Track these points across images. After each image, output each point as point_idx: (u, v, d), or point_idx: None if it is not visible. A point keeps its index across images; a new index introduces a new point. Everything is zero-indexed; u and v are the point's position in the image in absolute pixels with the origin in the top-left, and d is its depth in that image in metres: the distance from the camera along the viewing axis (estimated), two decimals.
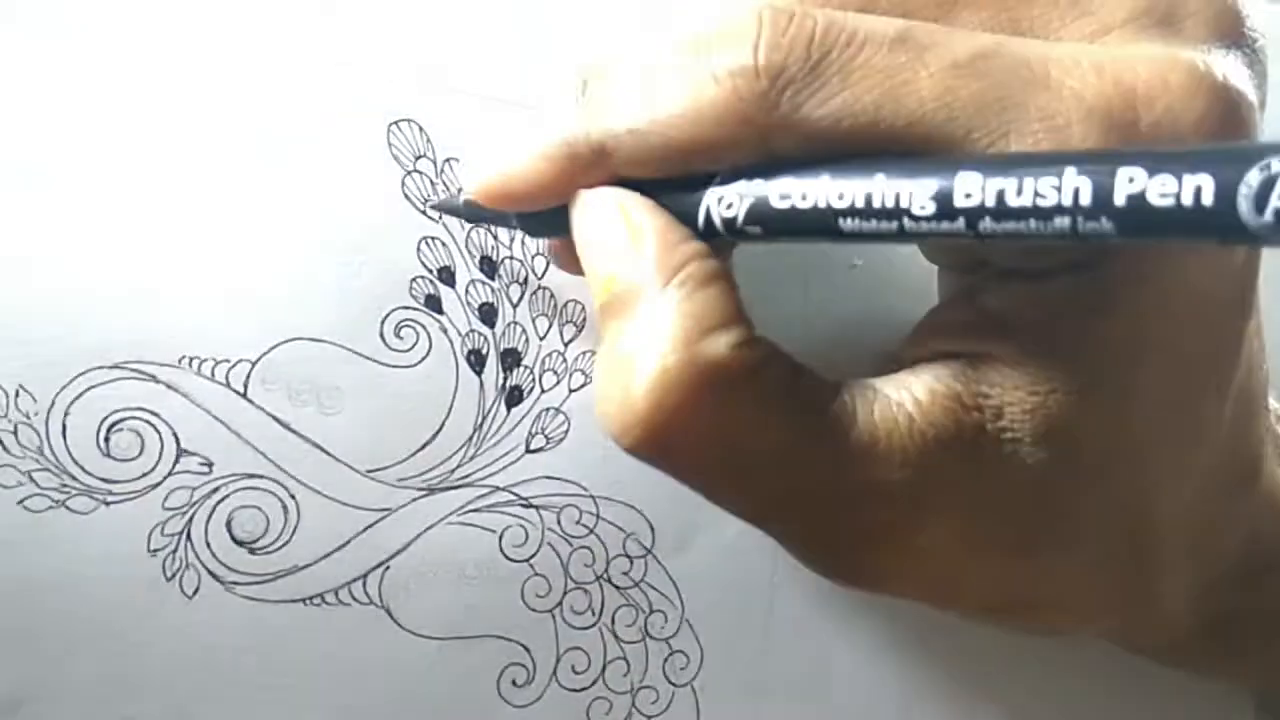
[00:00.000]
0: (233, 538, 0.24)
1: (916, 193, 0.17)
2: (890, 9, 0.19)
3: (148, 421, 0.24)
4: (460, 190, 0.25)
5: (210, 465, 0.24)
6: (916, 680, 0.29)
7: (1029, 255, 0.19)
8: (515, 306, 0.26)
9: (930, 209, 0.16)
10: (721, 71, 0.18)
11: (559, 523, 0.26)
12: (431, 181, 0.25)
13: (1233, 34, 0.19)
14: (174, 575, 0.24)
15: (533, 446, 0.26)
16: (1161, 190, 0.14)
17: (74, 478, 0.23)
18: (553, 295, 0.26)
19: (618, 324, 0.19)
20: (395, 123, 0.25)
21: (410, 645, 0.25)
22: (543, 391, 0.26)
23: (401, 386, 0.25)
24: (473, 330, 0.26)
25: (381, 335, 0.25)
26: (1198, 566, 0.21)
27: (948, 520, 0.19)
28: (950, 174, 0.16)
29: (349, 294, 0.25)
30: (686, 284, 0.18)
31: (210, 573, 0.24)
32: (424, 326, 0.25)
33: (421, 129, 0.25)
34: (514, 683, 0.26)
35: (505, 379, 0.26)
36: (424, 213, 0.25)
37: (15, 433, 0.23)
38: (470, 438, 0.25)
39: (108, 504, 0.23)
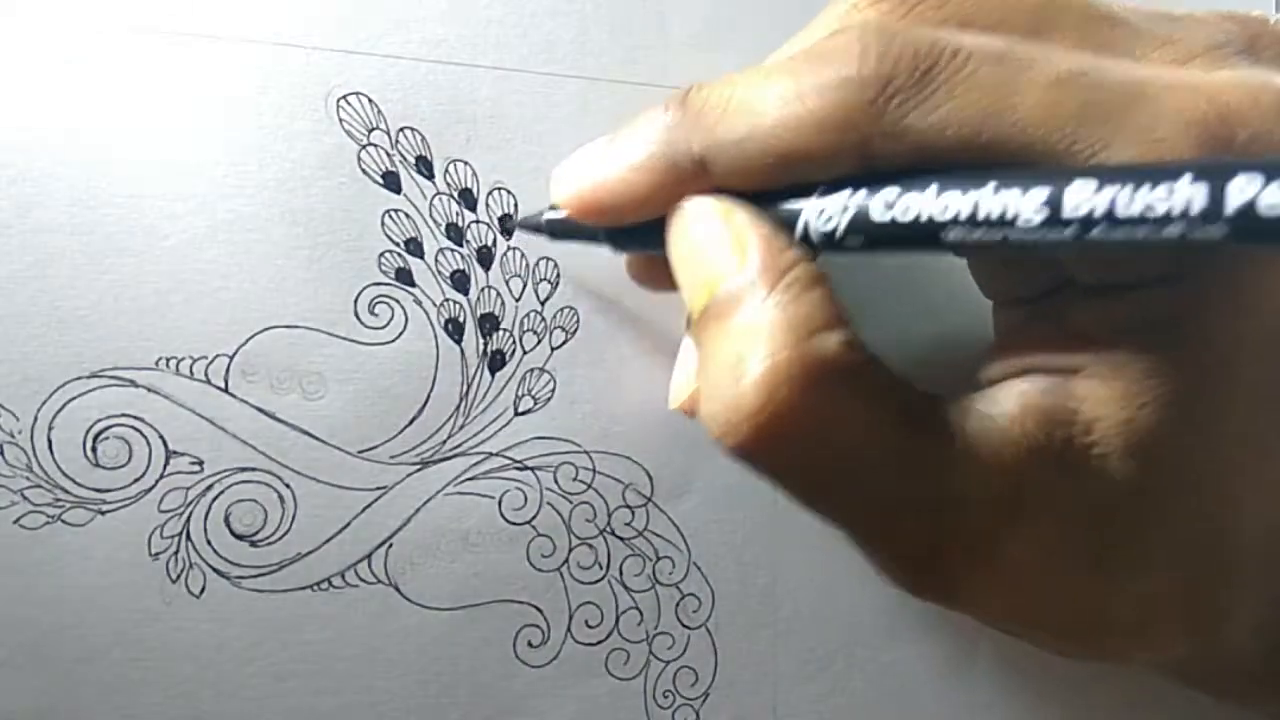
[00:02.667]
0: (233, 533, 0.25)
1: (1025, 202, 0.17)
2: (983, 31, 0.20)
3: (133, 427, 0.24)
4: (546, 209, 0.24)
5: (201, 464, 0.25)
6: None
7: (1116, 270, 0.19)
8: (487, 271, 0.26)
9: (1040, 217, 0.17)
10: (827, 84, 0.19)
11: (556, 481, 0.27)
12: (388, 153, 0.26)
13: None
14: (179, 576, 0.25)
15: (521, 409, 0.27)
16: (1271, 203, 0.15)
17: (66, 491, 0.24)
18: (524, 255, 0.27)
19: (722, 327, 0.20)
20: (343, 97, 0.25)
21: (422, 619, 0.26)
22: (525, 353, 0.27)
23: (382, 364, 0.26)
24: (447, 299, 0.26)
25: (356, 314, 0.26)
26: (1267, 595, 0.22)
27: (1036, 533, 0.20)
28: (1062, 183, 0.17)
29: (319, 276, 0.25)
30: (794, 286, 0.19)
31: (215, 570, 0.25)
32: (398, 301, 0.26)
33: (370, 100, 0.26)
34: (530, 644, 0.27)
35: (486, 344, 0.26)
36: (384, 187, 0.26)
37: (2, 452, 0.24)
38: (457, 407, 0.26)
39: (103, 513, 0.24)
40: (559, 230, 0.24)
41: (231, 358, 0.25)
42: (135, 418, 0.24)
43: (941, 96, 0.18)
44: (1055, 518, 0.20)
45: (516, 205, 0.26)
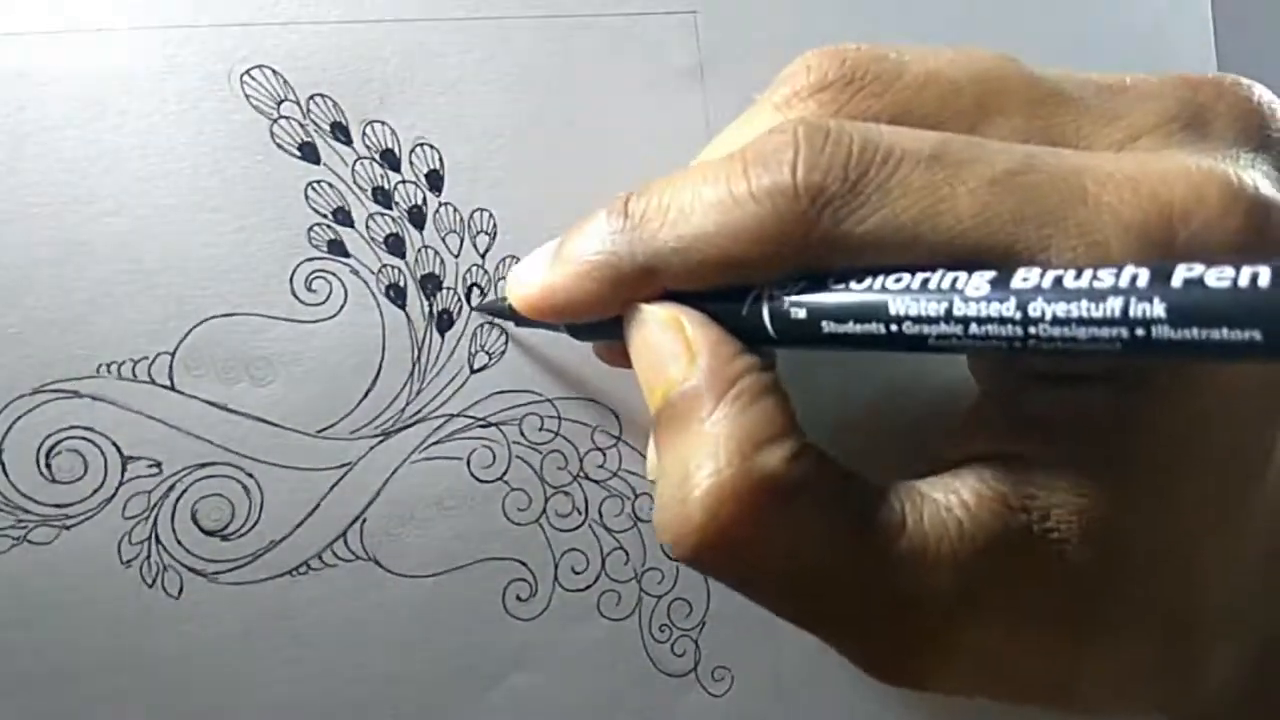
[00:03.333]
0: (202, 530, 0.25)
1: (973, 278, 0.17)
2: (921, 122, 0.20)
3: (84, 438, 0.24)
4: (503, 297, 0.25)
5: (159, 465, 0.25)
6: None
7: (1065, 362, 0.19)
8: (421, 231, 0.26)
9: (984, 290, 0.17)
10: (761, 192, 0.18)
11: (522, 434, 0.27)
12: (301, 124, 0.25)
13: (1259, 136, 0.20)
14: (154, 580, 0.25)
15: (476, 366, 0.26)
16: (1218, 276, 0.15)
17: (27, 511, 0.24)
18: (456, 209, 0.26)
19: (673, 434, 0.20)
20: (247, 71, 0.25)
21: (407, 588, 0.26)
22: (472, 309, 0.26)
23: (328, 339, 0.25)
24: (385, 265, 0.26)
25: (294, 293, 0.25)
26: (1240, 644, 0.22)
27: (995, 620, 0.20)
28: (1009, 270, 0.17)
29: (250, 260, 0.25)
30: (741, 397, 0.19)
31: (190, 569, 0.25)
32: (334, 274, 0.25)
33: (275, 71, 0.25)
34: (519, 598, 0.27)
35: (431, 306, 0.26)
36: (303, 159, 0.25)
37: None
38: (411, 373, 0.26)
39: (68, 528, 0.24)
40: (520, 319, 0.24)
41: (173, 354, 0.24)
42: (85, 428, 0.24)
43: (874, 203, 0.18)
44: (1015, 604, 0.20)
45: (441, 160, 0.26)
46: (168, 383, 0.24)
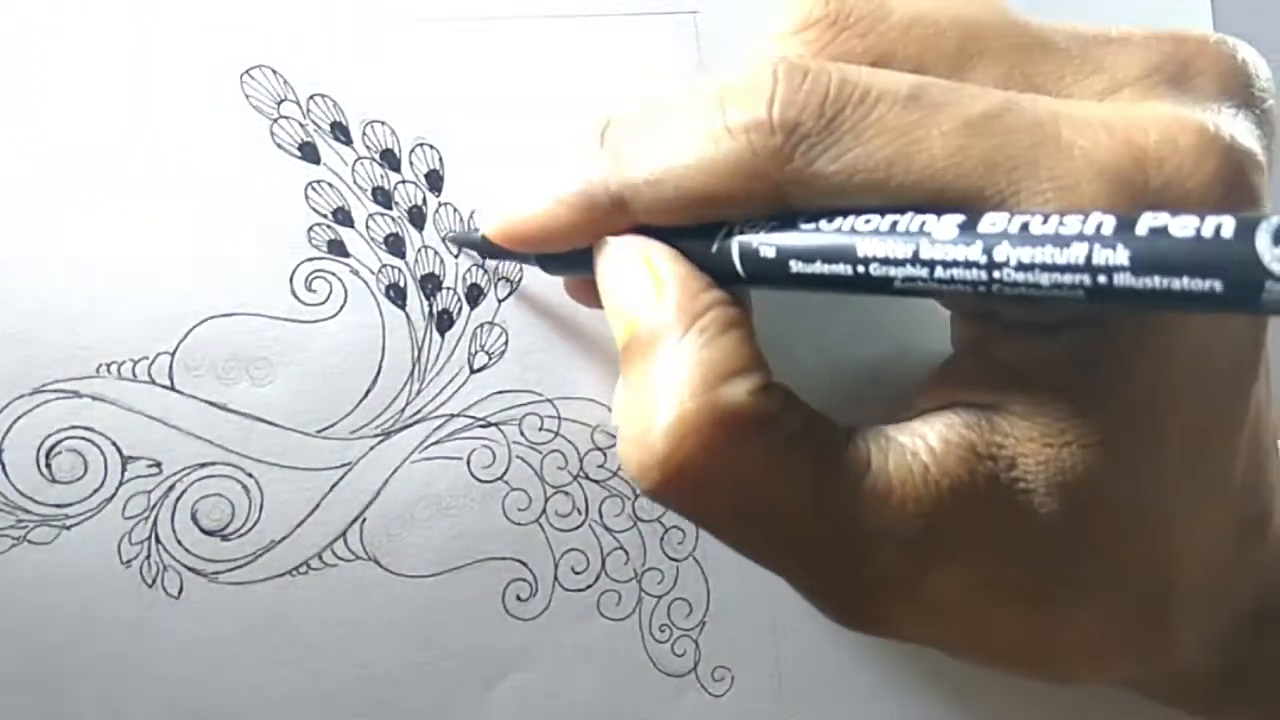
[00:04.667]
0: (202, 529, 0.25)
1: (941, 221, 0.17)
2: (904, 64, 0.20)
3: (84, 438, 0.24)
4: (476, 228, 0.25)
5: (159, 465, 0.25)
6: None
7: (1037, 310, 0.19)
8: (421, 231, 0.26)
9: (952, 233, 0.17)
10: (737, 125, 0.19)
11: (522, 434, 0.27)
12: (301, 124, 0.25)
13: (1242, 94, 0.20)
14: (154, 581, 0.25)
15: (476, 365, 0.27)
16: (1182, 225, 0.15)
17: (27, 510, 0.24)
18: (456, 210, 0.26)
19: (639, 367, 0.20)
20: (246, 71, 0.25)
21: (407, 588, 0.26)
22: (472, 308, 0.27)
23: (328, 340, 0.26)
24: (385, 265, 0.26)
25: (294, 293, 0.25)
26: (1212, 614, 0.22)
27: (960, 568, 0.20)
28: (977, 214, 0.17)
29: (250, 260, 0.25)
30: (707, 330, 0.19)
31: (189, 569, 0.25)
32: (334, 274, 0.26)
33: (275, 71, 0.25)
34: (519, 598, 0.27)
35: (431, 306, 0.26)
36: (303, 159, 0.25)
37: None
38: (411, 373, 0.26)
39: (68, 528, 0.24)
40: (490, 251, 0.24)
41: (173, 355, 0.25)
42: (85, 428, 0.24)
43: (848, 143, 0.18)
44: (980, 553, 0.20)
45: (441, 160, 0.26)
46: (168, 383, 0.25)
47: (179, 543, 0.25)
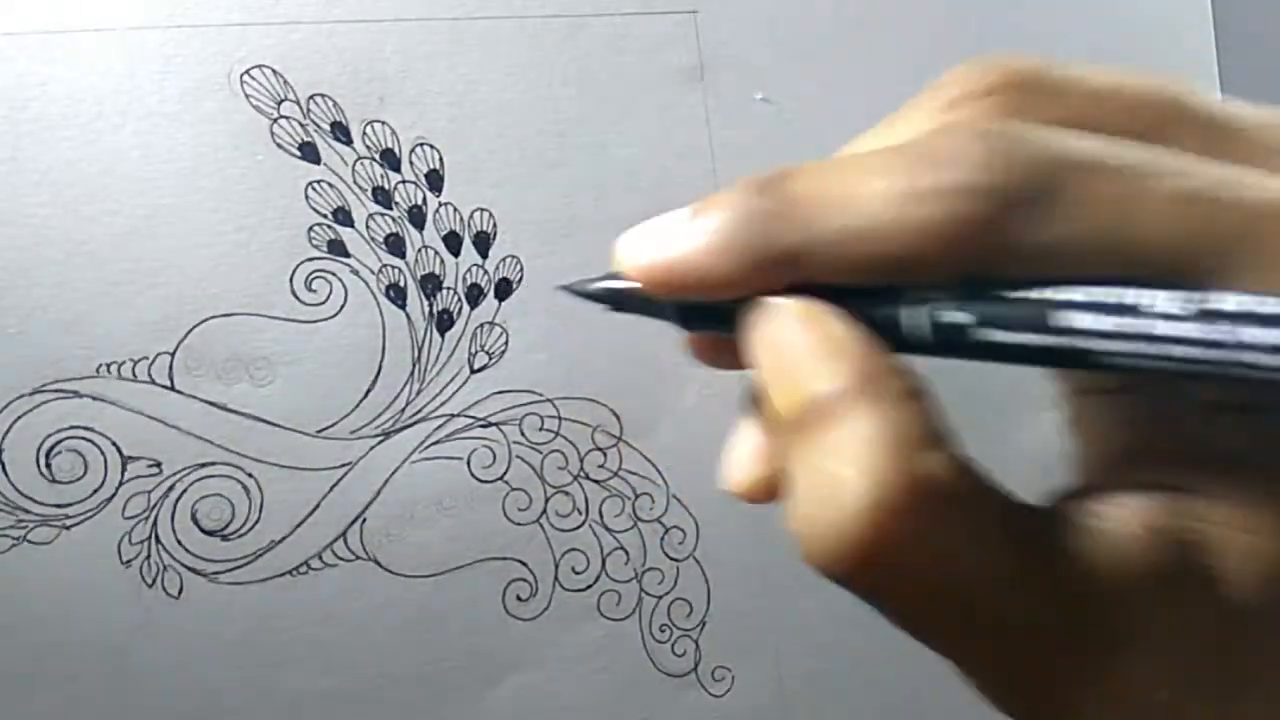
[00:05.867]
0: (202, 529, 0.25)
1: (1160, 295, 0.16)
2: (1101, 134, 0.19)
3: (84, 438, 0.24)
4: (604, 275, 0.23)
5: (159, 465, 0.25)
6: None
7: (1239, 386, 0.19)
8: (421, 231, 0.26)
9: (1173, 308, 0.16)
10: (944, 187, 0.18)
11: (523, 434, 0.27)
12: (301, 124, 0.25)
13: None
14: (154, 580, 0.25)
15: (476, 366, 0.27)
16: None
17: (27, 510, 0.24)
18: (457, 209, 0.26)
19: (814, 440, 0.18)
20: (247, 71, 0.25)
21: (407, 588, 0.26)
22: (472, 309, 0.27)
23: (329, 339, 0.26)
24: (385, 265, 0.26)
25: (294, 293, 0.25)
26: None
27: (1158, 662, 0.18)
28: (1203, 289, 0.16)
29: (249, 260, 0.25)
30: (896, 397, 0.18)
31: (189, 569, 0.25)
32: (335, 274, 0.26)
33: (275, 71, 0.25)
34: (519, 598, 0.27)
35: (431, 306, 0.26)
36: (303, 158, 0.25)
37: None
38: (411, 373, 0.26)
39: (68, 528, 0.24)
40: (624, 301, 0.22)
41: (173, 355, 0.25)
42: (85, 428, 0.24)
43: (1061, 213, 0.17)
44: (1179, 646, 0.19)
45: (441, 160, 0.26)
46: (168, 383, 0.25)
47: (179, 543, 0.25)
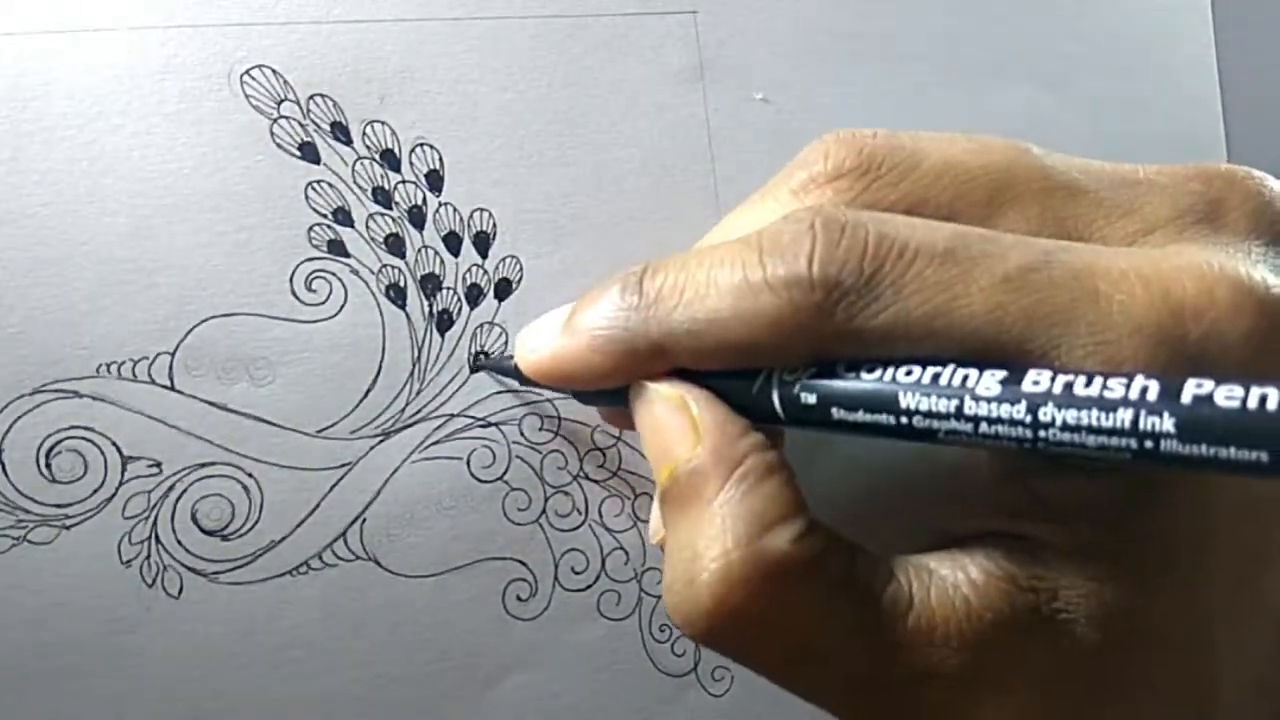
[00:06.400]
0: (202, 529, 0.25)
1: (984, 377, 0.18)
2: (936, 211, 0.20)
3: (84, 438, 0.24)
4: (509, 356, 0.25)
5: (159, 465, 0.25)
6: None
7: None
8: (421, 231, 0.26)
9: (995, 390, 0.17)
10: (777, 281, 0.19)
11: (522, 434, 0.27)
12: (301, 124, 0.25)
13: (1271, 230, 0.20)
14: (154, 580, 0.25)
15: (476, 365, 0.27)
16: (1228, 394, 0.15)
17: (27, 510, 0.24)
18: (456, 209, 0.27)
19: (681, 514, 0.20)
20: (246, 71, 0.25)
21: (407, 588, 0.26)
22: (472, 308, 0.27)
23: (328, 339, 0.26)
24: (385, 265, 0.26)
25: (294, 293, 0.25)
26: (1267, 705, 0.22)
27: (1003, 701, 0.20)
28: (1021, 370, 0.17)
29: (249, 259, 0.25)
30: (748, 478, 0.20)
31: (189, 569, 0.25)
32: (334, 274, 0.26)
33: (275, 71, 0.25)
34: (519, 598, 0.27)
35: (431, 306, 0.26)
36: (302, 159, 0.25)
37: None
38: (411, 373, 0.26)
39: (68, 528, 0.24)
40: (524, 380, 0.24)
41: (173, 354, 0.25)
42: (85, 428, 0.24)
43: (888, 298, 0.19)
44: (1021, 687, 0.20)
45: (441, 160, 0.26)
46: (168, 383, 0.25)
47: (179, 543, 0.25)
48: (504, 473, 0.27)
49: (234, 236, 0.25)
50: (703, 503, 0.20)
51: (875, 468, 0.28)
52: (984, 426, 0.18)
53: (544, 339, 0.22)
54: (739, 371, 0.21)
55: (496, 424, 0.27)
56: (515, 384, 0.27)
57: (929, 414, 0.18)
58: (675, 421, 0.21)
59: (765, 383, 0.20)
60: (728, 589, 0.19)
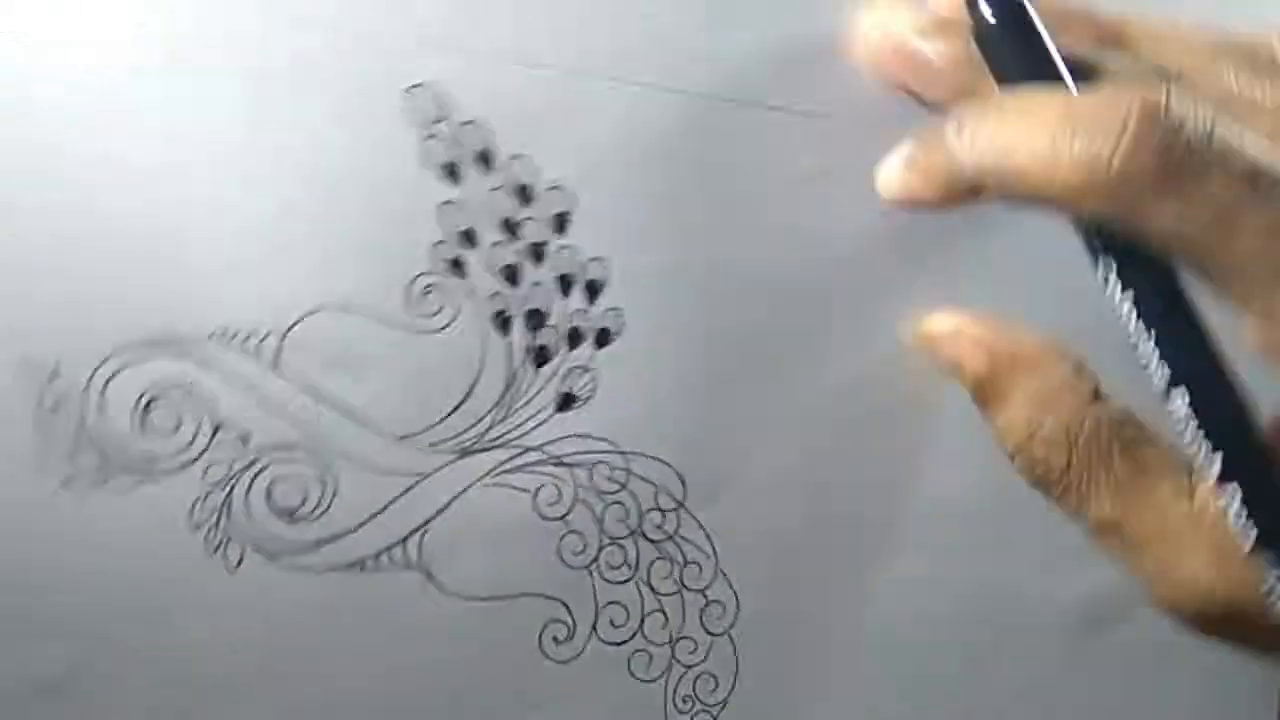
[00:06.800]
0: (272, 509, 0.26)
1: None
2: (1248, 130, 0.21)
3: (182, 399, 0.25)
4: None
5: (247, 438, 0.26)
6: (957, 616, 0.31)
7: None
8: (538, 267, 0.27)
9: None
10: (1080, 152, 0.20)
11: (591, 480, 0.28)
12: (450, 145, 0.27)
13: None
14: (216, 549, 0.25)
15: (562, 405, 0.27)
16: None
17: (113, 457, 0.25)
18: (576, 254, 0.28)
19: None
20: (411, 87, 0.26)
21: (451, 606, 0.27)
22: (570, 350, 0.28)
23: (430, 350, 0.27)
24: (497, 293, 0.27)
25: (408, 300, 0.26)
26: None
27: None
28: None
29: (372, 262, 0.26)
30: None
31: (253, 546, 0.26)
32: (449, 290, 0.27)
33: (438, 93, 0.27)
34: (555, 639, 0.27)
35: (532, 339, 0.27)
36: (444, 178, 0.27)
37: (55, 412, 0.24)
38: (500, 399, 0.27)
39: (148, 481, 0.25)
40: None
41: (283, 336, 0.26)
42: (186, 389, 0.25)
43: (1174, 206, 0.20)
44: None
45: (572, 205, 0.27)
46: (272, 361, 0.26)
47: (248, 517, 0.26)
48: (566, 513, 0.28)
49: (364, 237, 0.26)
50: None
51: None
52: None
53: (893, 172, 0.26)
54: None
55: (570, 465, 0.27)
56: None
57: None
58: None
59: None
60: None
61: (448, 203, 0.27)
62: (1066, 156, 0.21)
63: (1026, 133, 0.21)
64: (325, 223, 0.26)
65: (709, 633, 0.28)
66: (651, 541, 0.28)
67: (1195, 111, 0.20)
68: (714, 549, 0.29)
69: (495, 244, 0.27)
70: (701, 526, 0.28)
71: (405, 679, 0.26)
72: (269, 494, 0.26)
